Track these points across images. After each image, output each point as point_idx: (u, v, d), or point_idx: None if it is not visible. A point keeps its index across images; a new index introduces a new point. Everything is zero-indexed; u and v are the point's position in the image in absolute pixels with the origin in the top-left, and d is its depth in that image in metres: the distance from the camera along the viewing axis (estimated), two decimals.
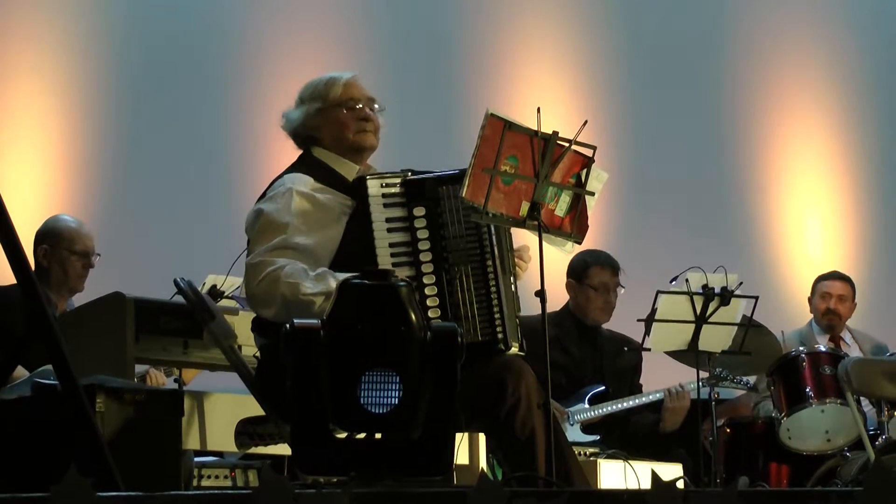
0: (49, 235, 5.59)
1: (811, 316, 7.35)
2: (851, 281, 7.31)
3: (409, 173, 4.19)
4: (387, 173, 4.22)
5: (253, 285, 4.04)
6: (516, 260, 4.29)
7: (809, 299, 7.32)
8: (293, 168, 4.30)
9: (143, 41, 7.52)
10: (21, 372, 4.87)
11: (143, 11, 7.57)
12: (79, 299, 5.58)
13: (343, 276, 3.89)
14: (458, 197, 4.11)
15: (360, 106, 4.33)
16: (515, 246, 4.32)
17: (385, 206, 4.13)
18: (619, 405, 6.33)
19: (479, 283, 4.11)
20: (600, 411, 6.30)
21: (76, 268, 5.56)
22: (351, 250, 4.10)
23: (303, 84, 4.43)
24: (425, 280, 4.07)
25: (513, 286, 4.22)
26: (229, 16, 7.73)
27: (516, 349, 4.16)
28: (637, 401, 6.36)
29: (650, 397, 6.38)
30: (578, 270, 6.51)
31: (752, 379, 6.53)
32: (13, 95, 7.21)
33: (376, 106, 4.37)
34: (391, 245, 4.11)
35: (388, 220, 4.12)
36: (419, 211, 4.13)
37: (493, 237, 4.17)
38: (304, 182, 4.18)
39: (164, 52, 7.53)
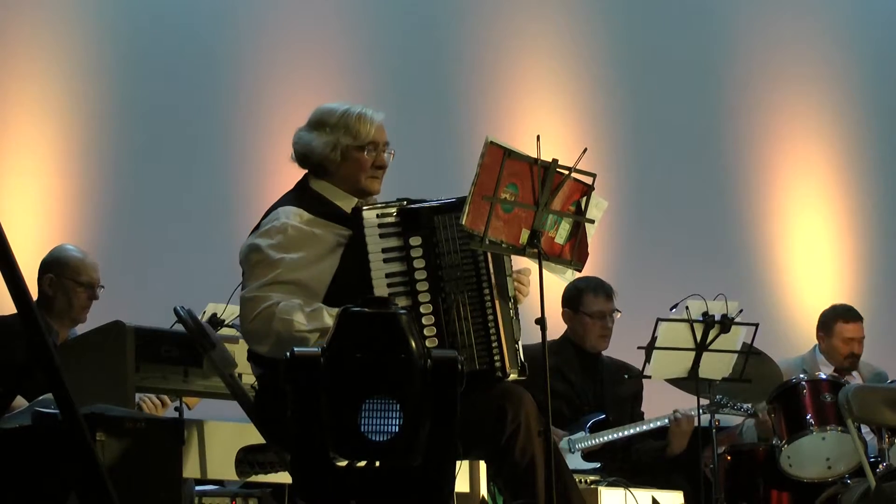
0: (55, 264, 5.59)
1: (813, 343, 7.35)
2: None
3: (405, 202, 4.19)
4: (382, 203, 4.21)
5: (248, 321, 4.04)
6: (516, 283, 4.29)
7: (822, 336, 7.27)
8: (288, 199, 4.29)
9: (143, 70, 7.52)
10: (21, 401, 4.86)
11: (143, 41, 7.58)
12: (79, 326, 5.58)
13: (335, 310, 3.90)
14: (454, 225, 4.11)
15: (380, 151, 4.32)
16: (515, 269, 4.32)
17: (381, 236, 4.13)
18: (620, 433, 6.32)
19: (476, 311, 4.11)
20: (601, 439, 6.29)
21: (81, 299, 5.56)
22: (347, 280, 4.10)
23: (302, 108, 4.42)
24: (422, 309, 4.07)
25: (512, 311, 4.22)
26: (230, 46, 7.74)
27: (515, 375, 4.16)
28: (637, 428, 6.35)
29: (651, 425, 6.37)
30: (573, 299, 6.50)
31: (751, 406, 6.52)
32: (12, 126, 7.22)
33: (392, 150, 4.36)
34: (388, 275, 4.10)
35: (384, 251, 4.12)
36: (415, 240, 4.13)
37: (490, 265, 4.16)
38: (298, 215, 4.17)
39: (164, 80, 7.53)
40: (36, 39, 7.37)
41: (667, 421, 6.33)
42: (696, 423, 6.02)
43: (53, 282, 5.55)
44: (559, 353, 6.39)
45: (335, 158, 4.28)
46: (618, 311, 6.51)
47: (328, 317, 3.93)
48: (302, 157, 4.34)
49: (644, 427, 6.36)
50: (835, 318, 7.28)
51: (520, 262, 4.36)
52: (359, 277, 4.08)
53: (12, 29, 7.34)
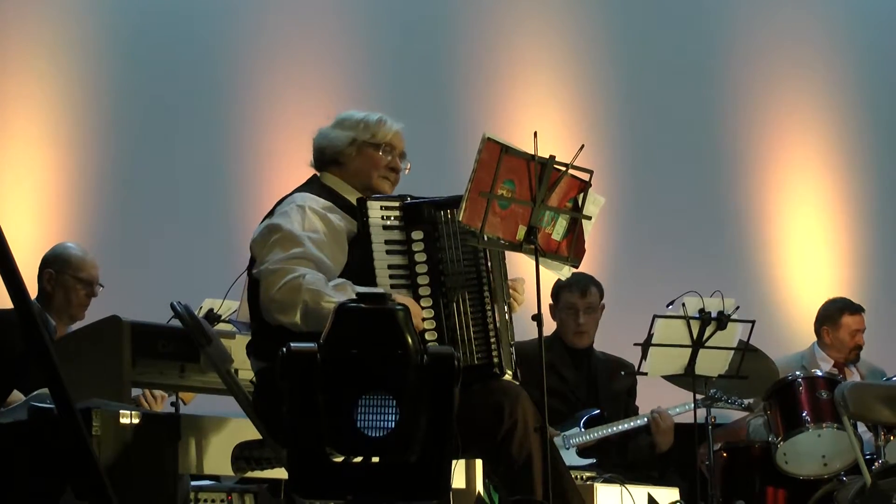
0: (56, 261, 5.60)
1: (812, 339, 7.34)
2: None
3: (408, 198, 4.22)
4: (386, 197, 4.25)
5: (273, 291, 4.01)
6: (511, 291, 4.31)
7: (826, 330, 7.24)
8: (301, 190, 4.33)
9: (140, 66, 7.52)
10: (17, 396, 4.86)
11: (140, 37, 7.57)
12: (77, 326, 5.58)
13: (362, 289, 3.91)
14: (456, 221, 4.13)
15: (395, 156, 4.41)
16: (511, 277, 4.34)
17: (384, 228, 4.16)
18: (613, 428, 6.32)
19: (475, 306, 4.12)
20: (595, 435, 6.30)
21: (79, 295, 5.57)
22: (352, 271, 4.12)
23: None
24: (422, 303, 4.09)
25: (507, 315, 4.23)
26: (229, 43, 7.74)
27: (510, 377, 4.16)
28: (630, 424, 6.36)
29: (631, 424, 6.36)
30: (553, 294, 6.54)
31: (747, 400, 6.52)
32: (9, 122, 7.22)
33: (408, 163, 4.44)
34: (389, 267, 4.13)
35: (386, 242, 4.15)
36: (417, 234, 4.15)
37: (490, 263, 4.18)
38: (315, 201, 4.22)
39: (162, 76, 7.53)
40: (34, 35, 7.36)
41: (646, 420, 6.34)
42: (693, 420, 6.01)
43: (53, 278, 5.56)
44: (551, 349, 6.37)
45: (350, 153, 4.37)
46: (594, 307, 6.49)
47: (353, 293, 3.94)
48: (319, 151, 4.42)
49: (638, 422, 6.36)
50: (839, 310, 7.27)
51: (514, 272, 4.38)
52: (362, 268, 4.11)
53: (10, 25, 7.34)
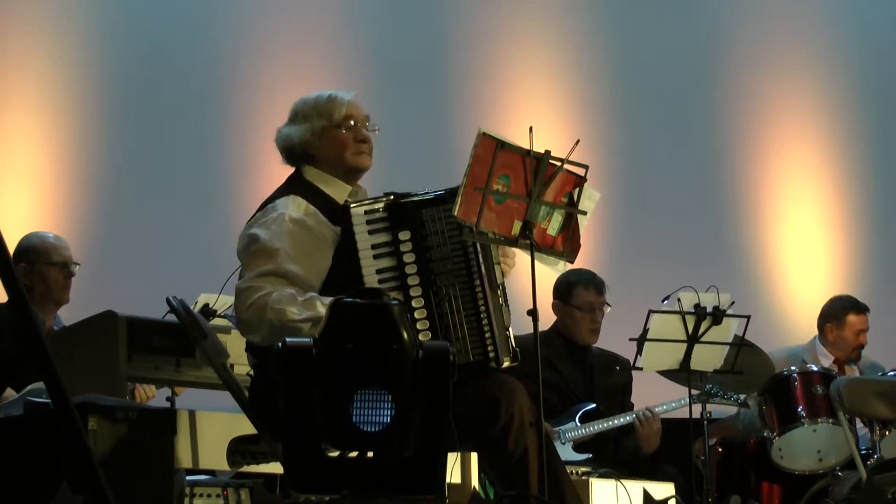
0: (25, 253, 5.58)
1: (809, 333, 7.34)
2: None
3: (392, 196, 4.17)
4: (369, 199, 4.19)
5: (242, 311, 4.04)
6: (502, 258, 4.28)
7: (831, 327, 7.21)
8: (284, 191, 4.28)
9: (134, 60, 7.52)
10: (9, 393, 4.86)
11: (133, 31, 7.58)
12: (71, 316, 5.57)
13: (329, 300, 3.90)
14: (443, 218, 4.11)
15: (359, 126, 4.31)
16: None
17: (370, 232, 4.11)
18: (610, 423, 6.32)
19: (467, 302, 4.10)
20: (591, 429, 6.29)
21: (58, 279, 5.56)
22: (337, 277, 4.09)
23: (295, 101, 4.42)
24: (414, 304, 4.06)
25: (501, 298, 4.21)
26: (223, 36, 7.74)
27: (508, 362, 4.15)
28: (627, 418, 6.35)
29: (620, 420, 6.35)
30: (563, 291, 6.50)
31: (742, 396, 6.53)
32: (5, 118, 7.21)
33: (375, 126, 4.36)
34: (378, 271, 4.09)
35: (373, 247, 4.11)
36: (404, 235, 4.12)
37: (480, 255, 4.15)
38: (297, 206, 4.17)
39: (156, 70, 7.54)
40: (32, 32, 7.37)
41: (635, 416, 6.32)
42: (688, 415, 6.01)
43: (28, 271, 5.53)
44: (548, 343, 6.37)
45: (315, 142, 4.29)
46: (608, 304, 6.50)
47: (321, 306, 3.92)
48: (287, 151, 4.35)
49: (630, 418, 6.35)
50: (845, 309, 7.21)
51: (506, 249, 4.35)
52: (349, 274, 4.07)
53: (8, 22, 7.34)
